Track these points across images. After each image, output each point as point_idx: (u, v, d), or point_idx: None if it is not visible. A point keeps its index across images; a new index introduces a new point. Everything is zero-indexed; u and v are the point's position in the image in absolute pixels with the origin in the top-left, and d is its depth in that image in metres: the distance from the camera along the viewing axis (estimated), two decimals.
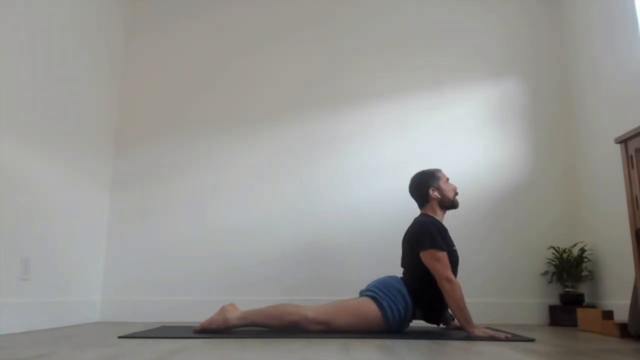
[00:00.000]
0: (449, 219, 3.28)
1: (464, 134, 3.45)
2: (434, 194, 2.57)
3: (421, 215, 2.58)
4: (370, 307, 2.35)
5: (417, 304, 2.42)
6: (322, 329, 2.31)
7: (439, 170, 2.65)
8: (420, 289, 2.42)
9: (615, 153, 2.87)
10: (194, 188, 3.39)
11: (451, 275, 2.32)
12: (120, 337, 2.07)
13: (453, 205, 2.62)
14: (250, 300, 2.99)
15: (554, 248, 3.17)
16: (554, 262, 3.15)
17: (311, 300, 2.92)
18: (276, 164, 3.42)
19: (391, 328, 2.36)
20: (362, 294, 2.48)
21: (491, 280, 3.24)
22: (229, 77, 3.57)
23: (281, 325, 2.31)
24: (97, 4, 3.20)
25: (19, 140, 2.43)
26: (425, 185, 2.59)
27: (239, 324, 2.32)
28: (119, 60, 3.53)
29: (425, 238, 2.39)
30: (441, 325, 2.72)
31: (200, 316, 3.12)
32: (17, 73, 2.42)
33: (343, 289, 3.11)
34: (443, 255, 2.35)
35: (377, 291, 2.40)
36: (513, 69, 3.54)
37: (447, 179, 2.64)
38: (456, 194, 2.63)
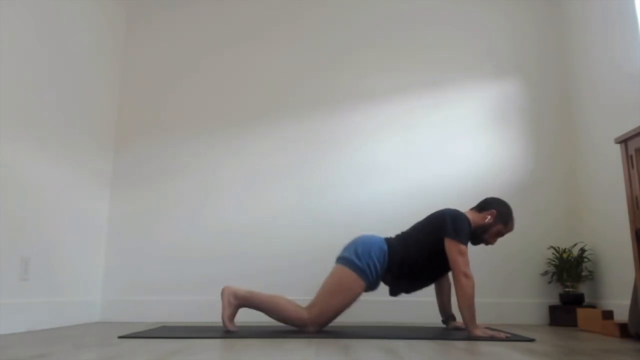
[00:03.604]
0: None
1: (464, 134, 3.45)
2: (489, 219, 2.49)
3: (460, 211, 2.53)
4: (349, 276, 2.39)
5: (390, 267, 2.43)
6: (317, 329, 2.39)
7: (512, 223, 2.54)
8: (407, 256, 2.43)
9: (615, 153, 2.87)
10: (194, 188, 3.39)
11: (470, 272, 2.31)
12: (120, 337, 2.07)
13: (479, 239, 2.54)
14: None
15: (554, 248, 3.18)
16: (554, 262, 3.15)
17: (309, 299, 2.92)
18: (277, 164, 3.42)
19: (372, 286, 2.45)
20: (338, 259, 2.49)
21: (491, 280, 3.24)
22: (228, 77, 3.56)
23: (279, 319, 2.42)
24: (97, 4, 3.20)
25: (19, 140, 2.43)
26: (499, 211, 2.50)
27: (246, 296, 2.40)
28: (119, 60, 3.53)
29: (459, 229, 2.38)
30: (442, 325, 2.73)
31: (200, 316, 3.13)
32: (17, 73, 2.42)
33: None
34: (466, 251, 2.36)
35: (352, 253, 2.43)
36: (513, 70, 3.54)
37: (503, 234, 2.55)
38: (489, 243, 2.56)
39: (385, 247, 2.45)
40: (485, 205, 2.55)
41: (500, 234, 2.54)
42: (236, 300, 2.39)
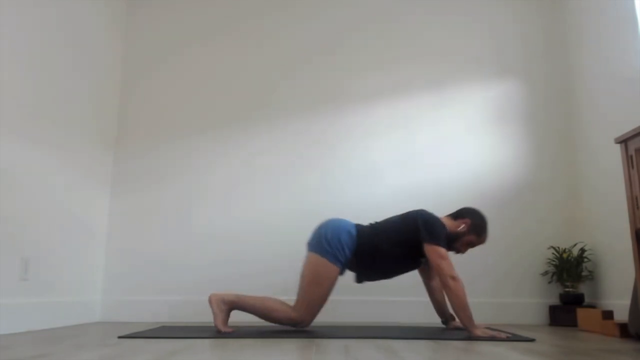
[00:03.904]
0: None
1: (464, 135, 3.45)
2: (462, 227, 2.48)
3: (433, 214, 2.53)
4: (323, 264, 2.41)
5: (357, 254, 2.44)
6: (308, 323, 2.43)
7: (485, 236, 2.53)
8: (377, 247, 2.43)
9: (615, 153, 2.88)
10: (195, 188, 3.39)
11: (456, 274, 2.30)
12: (120, 337, 2.07)
13: (450, 247, 2.50)
14: None
15: (554, 248, 3.18)
16: (554, 262, 3.15)
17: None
18: (277, 165, 3.42)
19: (345, 267, 2.48)
20: (309, 245, 2.52)
21: (491, 280, 3.24)
22: (229, 78, 3.56)
23: (268, 320, 2.45)
24: (98, 4, 3.20)
25: (20, 140, 2.43)
26: (474, 221, 2.49)
27: (235, 300, 2.41)
28: (119, 61, 3.53)
29: (435, 233, 2.38)
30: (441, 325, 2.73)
31: (200, 316, 3.13)
32: (18, 73, 2.42)
33: (342, 289, 3.12)
34: (447, 254, 2.35)
35: (322, 238, 2.45)
36: (513, 70, 3.54)
37: (475, 245, 2.54)
38: (459, 252, 2.55)
39: (355, 232, 2.47)
40: (461, 213, 2.55)
41: (472, 244, 2.52)
42: (225, 305, 2.40)
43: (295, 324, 2.42)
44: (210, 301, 2.39)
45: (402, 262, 2.51)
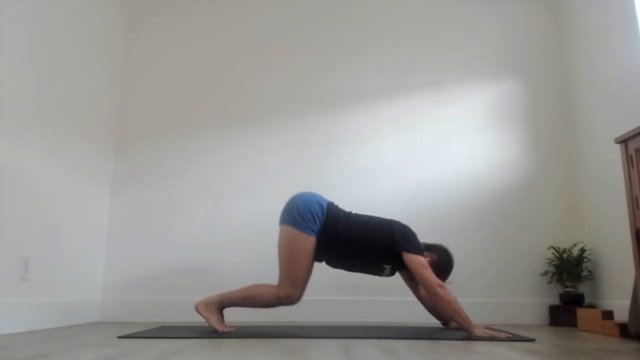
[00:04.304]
0: (450, 217, 3.29)
1: (463, 135, 3.45)
2: (428, 258, 2.44)
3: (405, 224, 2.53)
4: (297, 236, 2.39)
5: (324, 230, 2.40)
6: (298, 298, 2.40)
7: (444, 278, 2.47)
8: (345, 236, 2.39)
9: (615, 153, 2.87)
10: (195, 188, 3.39)
11: (441, 282, 2.29)
12: (120, 337, 2.07)
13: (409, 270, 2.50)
14: None
15: (554, 248, 3.18)
16: (554, 262, 3.15)
17: (309, 299, 2.92)
18: (277, 164, 3.42)
19: (319, 235, 2.40)
20: (281, 219, 2.50)
21: (491, 280, 3.24)
22: (228, 78, 3.57)
23: (259, 306, 2.44)
24: (99, 3, 3.20)
25: (20, 140, 2.42)
26: (440, 260, 2.48)
27: (219, 299, 2.39)
28: (119, 61, 3.53)
29: (412, 241, 2.38)
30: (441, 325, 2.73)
31: (199, 316, 3.12)
32: (18, 73, 2.42)
33: (342, 289, 3.12)
34: (427, 262, 2.35)
35: (294, 210, 2.42)
36: (513, 69, 3.54)
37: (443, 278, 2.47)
38: (412, 279, 2.51)
39: (325, 204, 2.46)
40: (432, 247, 2.54)
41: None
42: (213, 306, 2.37)
43: (285, 302, 2.38)
44: (197, 309, 2.36)
45: (360, 260, 2.46)
